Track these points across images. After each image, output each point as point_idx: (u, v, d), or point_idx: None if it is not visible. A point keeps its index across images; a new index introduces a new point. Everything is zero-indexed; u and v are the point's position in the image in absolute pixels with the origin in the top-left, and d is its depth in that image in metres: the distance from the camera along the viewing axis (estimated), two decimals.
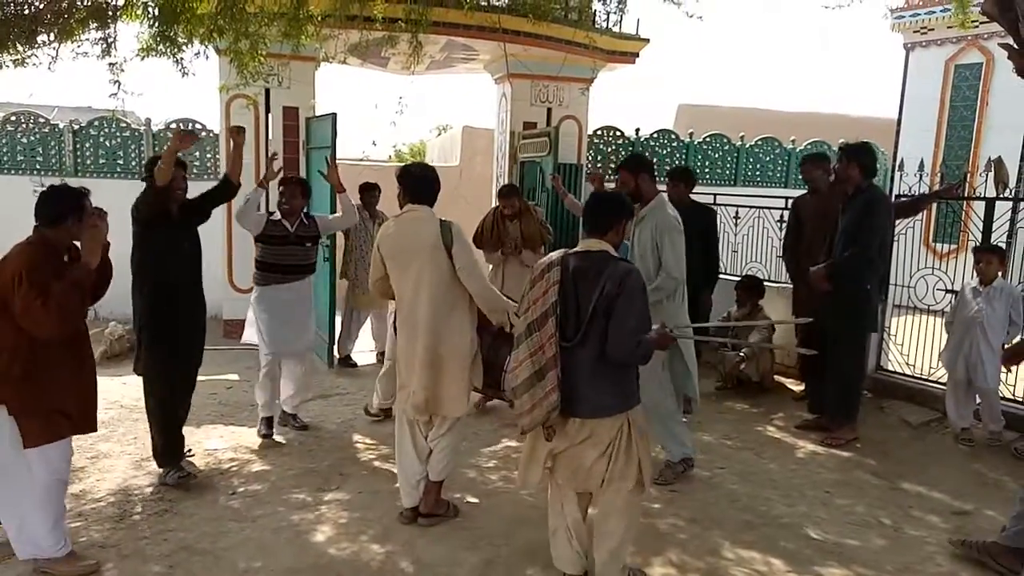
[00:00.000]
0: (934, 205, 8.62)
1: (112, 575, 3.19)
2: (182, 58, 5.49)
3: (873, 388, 5.80)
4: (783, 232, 6.06)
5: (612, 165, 9.21)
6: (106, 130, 8.18)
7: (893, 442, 5.04)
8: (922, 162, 5.82)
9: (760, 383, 6.13)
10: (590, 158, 9.20)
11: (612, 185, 5.82)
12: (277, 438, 4.83)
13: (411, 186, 3.59)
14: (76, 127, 8.13)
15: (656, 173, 9.92)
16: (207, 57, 5.83)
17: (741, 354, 6.01)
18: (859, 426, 5.05)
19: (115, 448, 4.61)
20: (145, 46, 5.36)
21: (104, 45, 5.30)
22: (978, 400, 5.03)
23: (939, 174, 8.49)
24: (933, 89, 10.44)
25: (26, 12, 4.93)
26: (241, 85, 5.98)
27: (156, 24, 5.20)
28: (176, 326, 4.01)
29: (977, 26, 6.29)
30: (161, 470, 4.10)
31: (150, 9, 5.15)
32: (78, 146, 8.11)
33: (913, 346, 5.75)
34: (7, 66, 5.23)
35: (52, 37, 5.15)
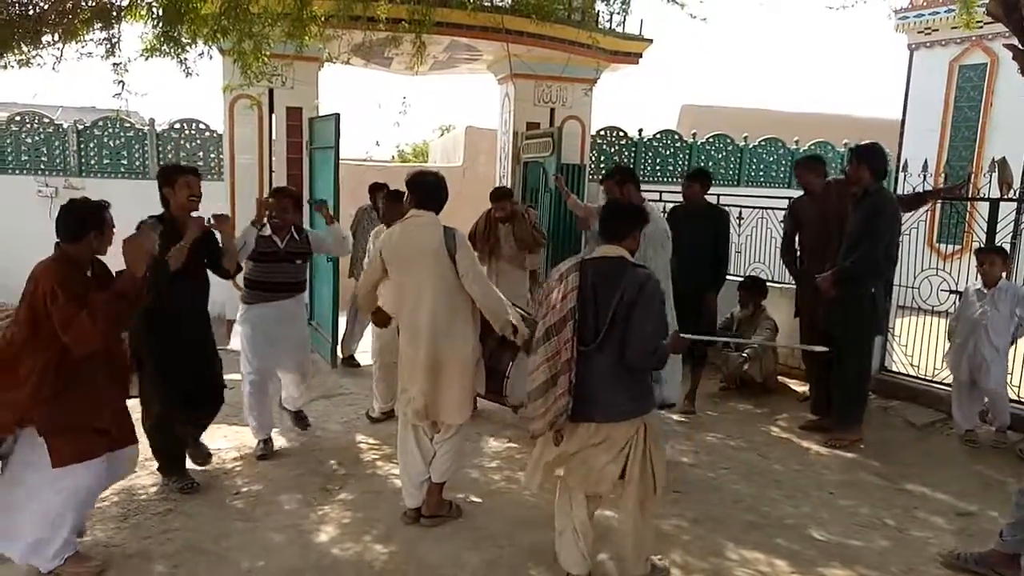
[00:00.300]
0: (938, 206, 8.64)
1: (117, 575, 3.19)
2: (186, 58, 5.50)
3: (877, 389, 5.79)
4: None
5: (629, 168, 9.21)
6: (110, 130, 8.20)
7: (897, 443, 5.03)
8: (926, 163, 5.81)
9: (764, 384, 6.12)
10: (593, 158, 9.20)
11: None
12: (279, 440, 4.81)
13: (419, 192, 3.60)
14: (80, 127, 8.15)
15: (659, 173, 9.98)
16: (211, 57, 5.84)
17: (744, 355, 6.01)
18: (863, 427, 5.04)
19: None
20: (149, 46, 5.37)
21: (108, 45, 5.31)
22: (986, 401, 5.02)
23: (943, 175, 8.46)
24: (937, 90, 10.41)
25: (31, 12, 4.94)
26: (245, 85, 6.00)
27: (160, 24, 5.20)
28: (174, 354, 3.79)
29: (981, 27, 6.28)
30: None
31: (154, 9, 5.15)
32: (82, 146, 8.13)
33: (917, 347, 5.74)
34: (12, 66, 5.24)
35: (56, 37, 5.16)
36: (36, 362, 2.93)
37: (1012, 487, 4.24)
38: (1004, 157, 5.43)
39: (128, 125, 8.22)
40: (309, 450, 4.71)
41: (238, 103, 7.37)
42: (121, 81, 5.42)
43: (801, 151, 10.01)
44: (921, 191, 5.46)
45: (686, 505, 3.97)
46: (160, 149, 8.22)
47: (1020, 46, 3.85)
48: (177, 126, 8.29)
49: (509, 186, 7.92)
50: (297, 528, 3.65)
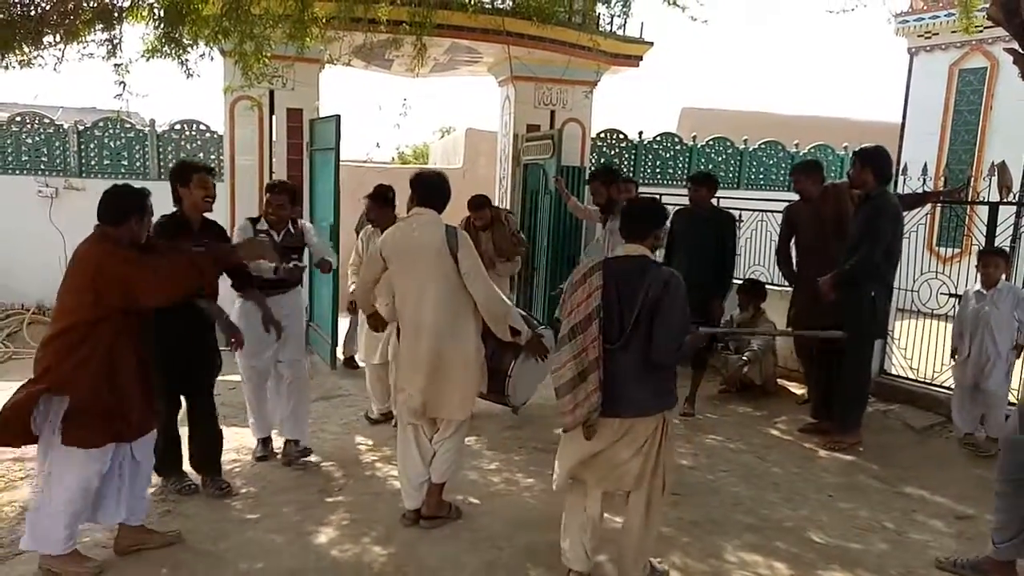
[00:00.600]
0: (938, 209, 8.64)
1: (117, 574, 3.19)
2: (187, 59, 5.52)
3: (876, 392, 5.78)
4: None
5: (615, 168, 9.22)
6: (111, 131, 8.20)
7: (896, 446, 5.03)
8: (925, 166, 5.81)
9: (763, 386, 6.13)
10: (593, 161, 9.21)
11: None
12: (279, 441, 4.71)
13: (422, 191, 3.62)
14: (81, 128, 8.14)
15: (659, 176, 9.98)
16: (212, 58, 5.86)
17: (744, 358, 6.01)
18: (862, 430, 5.03)
19: None
20: (150, 47, 5.39)
21: (109, 46, 5.32)
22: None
23: (943, 178, 8.48)
24: (937, 94, 10.43)
25: (32, 13, 4.95)
26: (245, 86, 6.00)
27: (161, 25, 5.21)
28: (172, 352, 3.61)
29: (981, 31, 6.29)
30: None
31: (155, 10, 5.16)
32: (83, 147, 8.13)
33: (916, 350, 5.74)
34: (13, 67, 5.24)
35: (58, 38, 5.17)
36: (87, 335, 2.98)
37: None
38: (1004, 161, 5.43)
39: (129, 126, 8.22)
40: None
41: (239, 104, 7.38)
42: (122, 82, 5.43)
43: (801, 154, 10.02)
44: (923, 192, 5.46)
45: (685, 507, 3.97)
46: (160, 150, 8.22)
47: (1020, 50, 3.86)
48: (178, 127, 8.29)
49: (508, 189, 7.93)
50: (296, 529, 3.65)
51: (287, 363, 4.51)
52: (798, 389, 6.18)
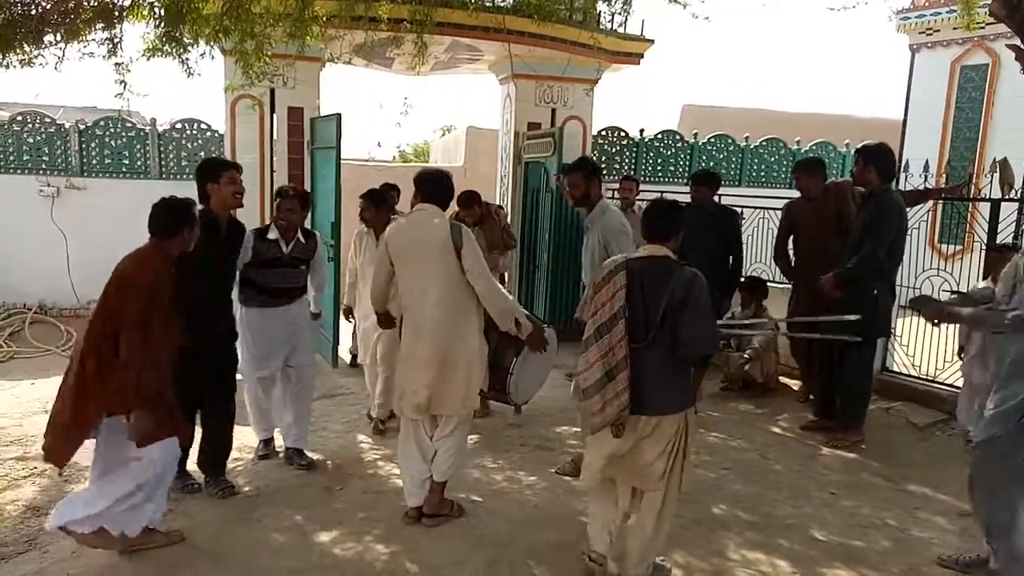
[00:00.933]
0: (939, 206, 8.63)
1: (115, 575, 3.20)
2: (188, 58, 5.51)
3: (879, 389, 5.78)
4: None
5: (616, 166, 9.22)
6: (112, 130, 8.21)
7: (899, 443, 5.03)
8: (927, 163, 5.81)
9: (765, 384, 6.12)
10: (594, 158, 9.19)
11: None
12: (281, 440, 4.71)
13: (426, 187, 3.63)
14: (82, 127, 8.15)
15: (660, 174, 9.96)
16: (212, 57, 5.85)
17: (745, 355, 6.00)
18: (865, 428, 5.03)
19: None
20: (151, 46, 5.38)
21: (110, 45, 5.31)
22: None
23: (944, 175, 8.46)
24: (939, 90, 10.41)
25: (33, 12, 4.94)
26: (246, 85, 6.00)
27: (162, 24, 5.20)
28: (197, 354, 3.55)
29: (983, 27, 6.27)
30: None
31: (156, 9, 5.16)
32: (84, 146, 8.13)
33: (919, 347, 5.73)
34: (14, 66, 5.24)
35: (58, 37, 5.17)
36: (144, 355, 3.05)
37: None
38: (1005, 157, 5.42)
39: (130, 125, 8.22)
40: (310, 450, 4.70)
41: (240, 103, 7.37)
42: (123, 81, 5.44)
43: (802, 151, 10.00)
44: (924, 188, 5.45)
45: (687, 505, 3.96)
46: (162, 149, 8.22)
47: (1022, 46, 3.85)
48: (179, 126, 8.30)
49: (509, 187, 7.92)
50: (298, 528, 3.65)
51: (297, 368, 4.48)
52: (800, 386, 6.17)
